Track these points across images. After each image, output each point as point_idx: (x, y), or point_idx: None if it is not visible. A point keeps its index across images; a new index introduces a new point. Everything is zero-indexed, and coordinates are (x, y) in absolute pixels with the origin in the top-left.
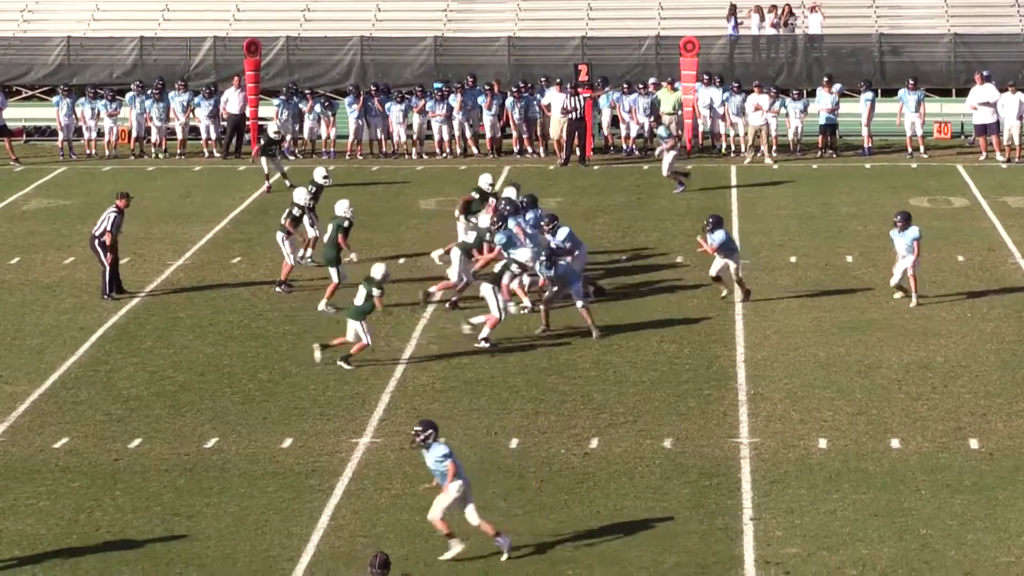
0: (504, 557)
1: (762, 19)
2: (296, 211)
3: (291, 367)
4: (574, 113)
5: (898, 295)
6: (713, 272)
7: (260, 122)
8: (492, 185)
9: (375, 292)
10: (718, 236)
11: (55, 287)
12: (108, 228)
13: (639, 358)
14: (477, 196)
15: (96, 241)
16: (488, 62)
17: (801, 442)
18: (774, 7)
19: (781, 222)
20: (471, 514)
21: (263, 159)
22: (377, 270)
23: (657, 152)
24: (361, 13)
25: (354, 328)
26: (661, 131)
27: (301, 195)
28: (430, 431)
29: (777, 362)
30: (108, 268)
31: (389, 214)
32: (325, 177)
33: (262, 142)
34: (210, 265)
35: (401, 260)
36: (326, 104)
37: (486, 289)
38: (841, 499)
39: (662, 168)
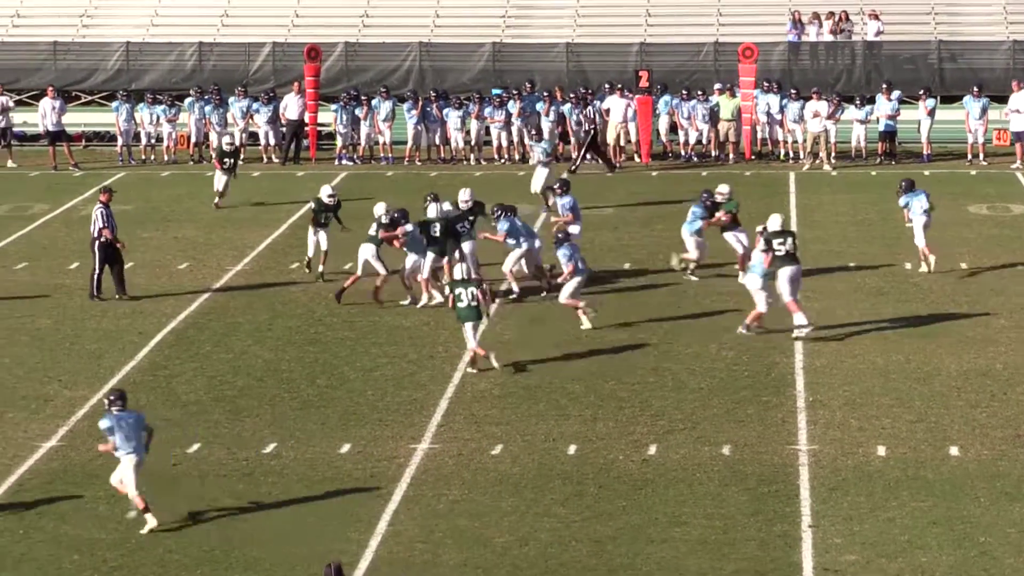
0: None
1: (820, 25)
2: (384, 219)
3: (349, 372)
4: (586, 125)
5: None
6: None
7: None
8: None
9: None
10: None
11: (114, 292)
12: (103, 224)
13: (698, 365)
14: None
15: (96, 243)
16: (547, 68)
17: (860, 449)
18: (831, 14)
19: (840, 229)
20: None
21: (217, 173)
22: (379, 208)
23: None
24: (420, 19)
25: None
26: (542, 146)
27: (381, 209)
28: (119, 400)
29: (836, 369)
30: (98, 269)
31: None
32: (331, 196)
33: (213, 156)
34: (268, 270)
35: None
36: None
37: (751, 281)
38: (900, 507)
39: (532, 184)
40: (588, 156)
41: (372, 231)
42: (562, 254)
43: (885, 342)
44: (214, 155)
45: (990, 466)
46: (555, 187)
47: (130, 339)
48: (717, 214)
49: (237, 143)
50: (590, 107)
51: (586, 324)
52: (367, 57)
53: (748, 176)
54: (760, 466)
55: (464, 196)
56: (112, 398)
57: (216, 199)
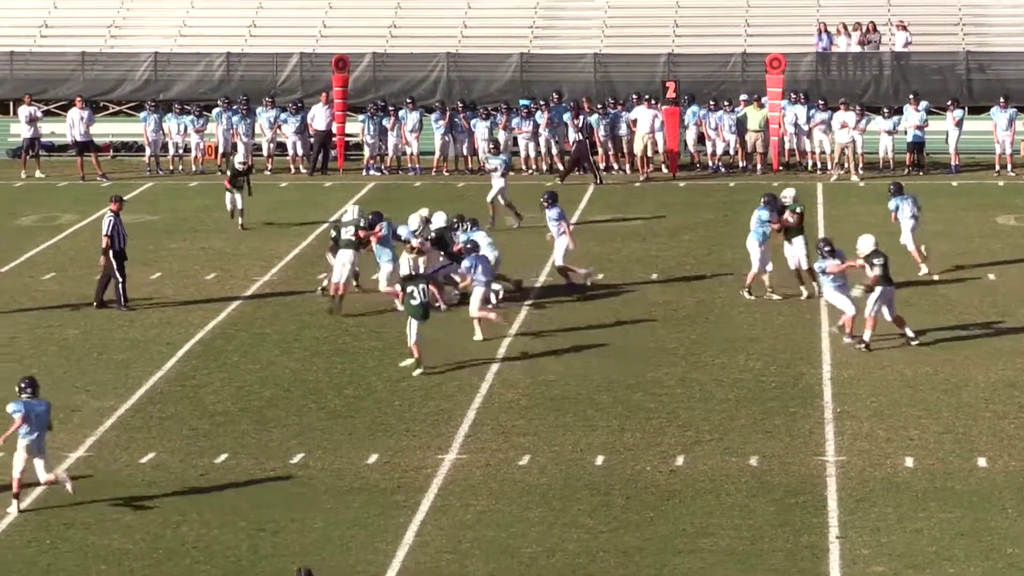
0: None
1: (848, 36)
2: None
3: (377, 383)
4: (583, 133)
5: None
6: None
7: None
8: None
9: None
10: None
11: (142, 302)
12: (106, 232)
13: (725, 376)
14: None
15: (110, 252)
16: (574, 79)
17: (887, 460)
18: (859, 24)
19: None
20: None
21: (228, 194)
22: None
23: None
24: (448, 29)
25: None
26: (500, 159)
27: (355, 212)
28: (29, 388)
29: (863, 380)
30: (119, 278)
31: None
32: (241, 163)
33: (228, 174)
34: (296, 280)
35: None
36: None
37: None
38: (927, 518)
39: (495, 197)
40: (580, 167)
41: (350, 235)
42: (464, 265)
43: (913, 353)
44: (227, 172)
45: (1018, 477)
46: (542, 199)
47: (158, 349)
48: (784, 215)
49: (249, 161)
50: (581, 116)
51: (478, 335)
52: (395, 67)
53: (776, 187)
54: (788, 477)
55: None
56: (23, 384)
57: (238, 220)
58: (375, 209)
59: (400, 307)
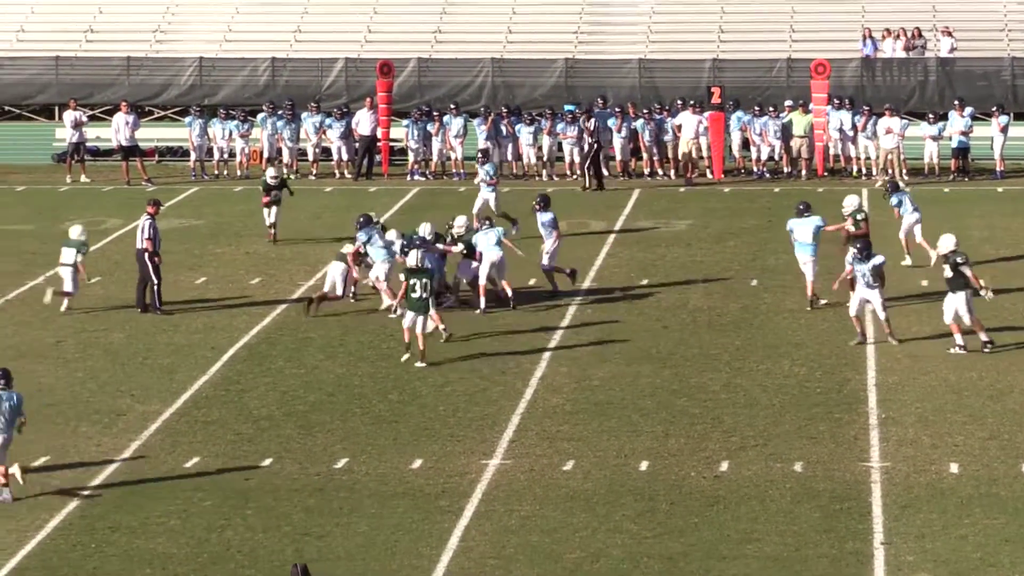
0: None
1: (895, 41)
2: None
3: (422, 388)
4: (590, 138)
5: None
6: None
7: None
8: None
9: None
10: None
11: (187, 306)
12: (148, 236)
13: (769, 381)
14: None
15: (145, 254)
16: (619, 84)
17: (932, 467)
18: (904, 30)
19: (912, 246)
20: None
21: (264, 211)
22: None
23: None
24: (493, 35)
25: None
26: (487, 168)
27: (426, 229)
28: (1, 379)
29: (908, 386)
30: (156, 281)
31: (519, 236)
32: (273, 177)
33: (262, 189)
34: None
35: (532, 281)
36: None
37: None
38: (972, 524)
39: (481, 208)
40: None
41: (346, 250)
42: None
43: (957, 359)
44: (261, 188)
45: None
46: (535, 203)
47: (203, 354)
48: (844, 224)
49: (285, 171)
50: (592, 120)
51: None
52: (439, 73)
53: (820, 193)
54: (832, 483)
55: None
56: None
57: (270, 233)
58: (426, 216)
59: (384, 305)
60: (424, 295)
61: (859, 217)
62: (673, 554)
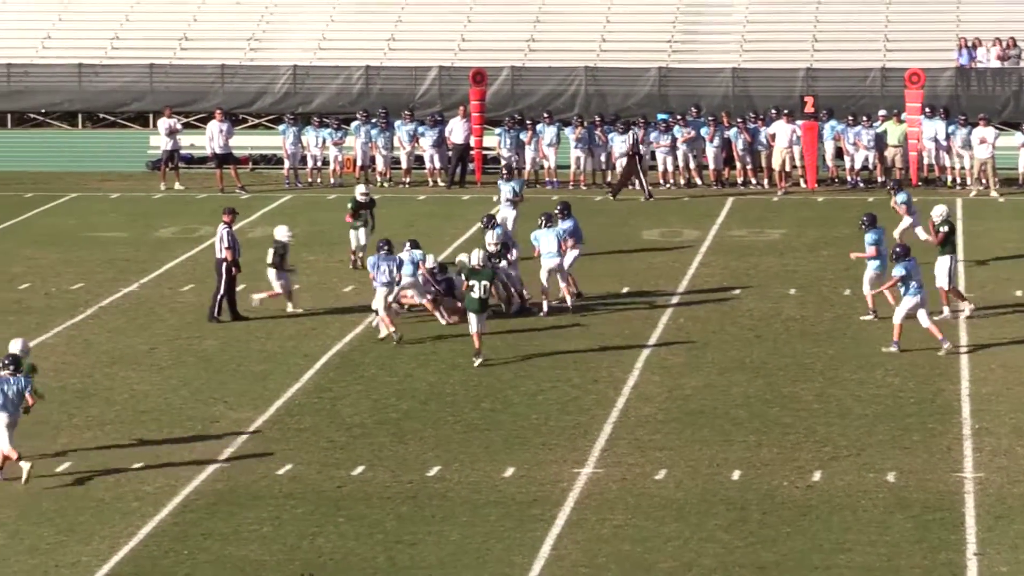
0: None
1: (989, 50)
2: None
3: (514, 396)
4: (632, 148)
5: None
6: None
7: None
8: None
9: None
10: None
11: (279, 314)
12: (228, 244)
13: (863, 391)
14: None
15: (223, 264)
16: (712, 92)
17: None
18: (998, 39)
19: (1007, 256)
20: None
21: (351, 232)
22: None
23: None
24: (586, 43)
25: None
26: (512, 185)
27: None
28: (11, 365)
29: (1002, 396)
30: (223, 291)
31: (613, 245)
32: (363, 194)
33: (349, 207)
34: None
35: (624, 289)
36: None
37: None
38: None
39: (510, 225)
40: (633, 180)
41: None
42: (369, 262)
43: None
44: (349, 205)
45: None
46: (556, 210)
47: (295, 361)
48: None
49: (371, 195)
50: (632, 131)
51: (382, 332)
52: (532, 81)
53: (915, 202)
54: (925, 493)
55: (491, 238)
56: (6, 362)
57: (352, 258)
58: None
59: (383, 333)
60: (483, 296)
61: (941, 227)
62: (765, 564)
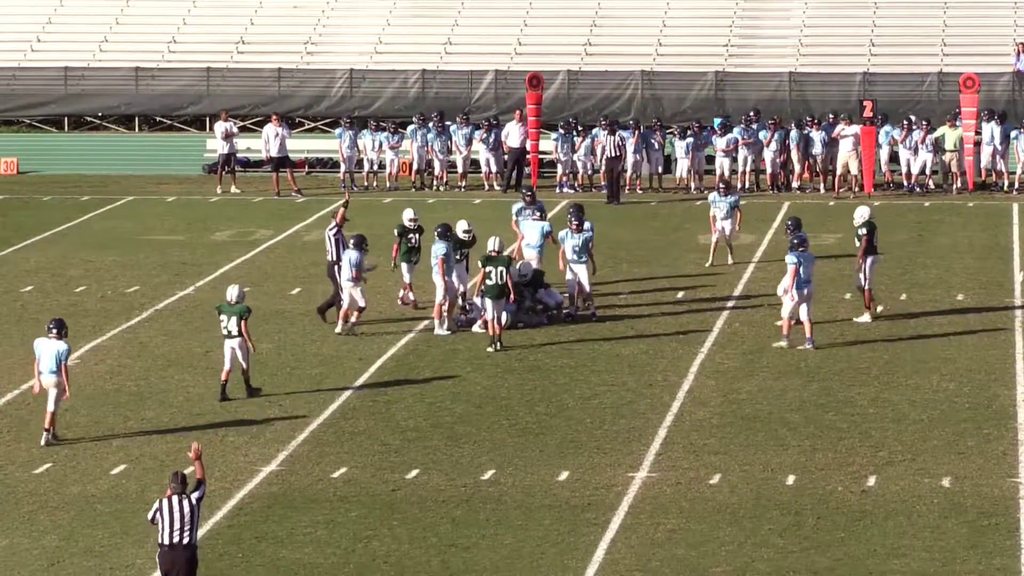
0: None
1: None
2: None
3: (568, 400)
4: (615, 151)
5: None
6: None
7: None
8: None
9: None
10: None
11: (336, 317)
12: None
13: (918, 396)
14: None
15: (337, 267)
16: (770, 97)
17: None
18: None
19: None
20: None
21: (403, 265)
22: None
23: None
24: (643, 47)
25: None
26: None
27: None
28: (54, 329)
29: None
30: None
31: (668, 249)
32: (412, 219)
33: (396, 233)
34: None
35: (680, 294)
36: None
37: None
38: None
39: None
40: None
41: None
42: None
43: None
44: (396, 233)
45: None
46: (570, 217)
47: (350, 364)
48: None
49: (419, 219)
50: (617, 133)
51: (338, 328)
52: (589, 85)
53: (971, 207)
54: (980, 499)
55: (463, 226)
56: (49, 326)
57: (402, 295)
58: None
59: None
60: (500, 282)
61: (860, 229)
62: (819, 569)
